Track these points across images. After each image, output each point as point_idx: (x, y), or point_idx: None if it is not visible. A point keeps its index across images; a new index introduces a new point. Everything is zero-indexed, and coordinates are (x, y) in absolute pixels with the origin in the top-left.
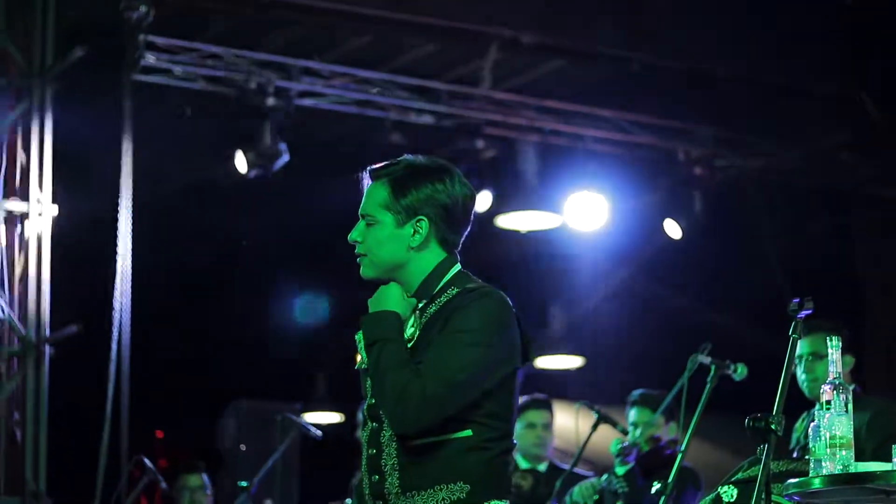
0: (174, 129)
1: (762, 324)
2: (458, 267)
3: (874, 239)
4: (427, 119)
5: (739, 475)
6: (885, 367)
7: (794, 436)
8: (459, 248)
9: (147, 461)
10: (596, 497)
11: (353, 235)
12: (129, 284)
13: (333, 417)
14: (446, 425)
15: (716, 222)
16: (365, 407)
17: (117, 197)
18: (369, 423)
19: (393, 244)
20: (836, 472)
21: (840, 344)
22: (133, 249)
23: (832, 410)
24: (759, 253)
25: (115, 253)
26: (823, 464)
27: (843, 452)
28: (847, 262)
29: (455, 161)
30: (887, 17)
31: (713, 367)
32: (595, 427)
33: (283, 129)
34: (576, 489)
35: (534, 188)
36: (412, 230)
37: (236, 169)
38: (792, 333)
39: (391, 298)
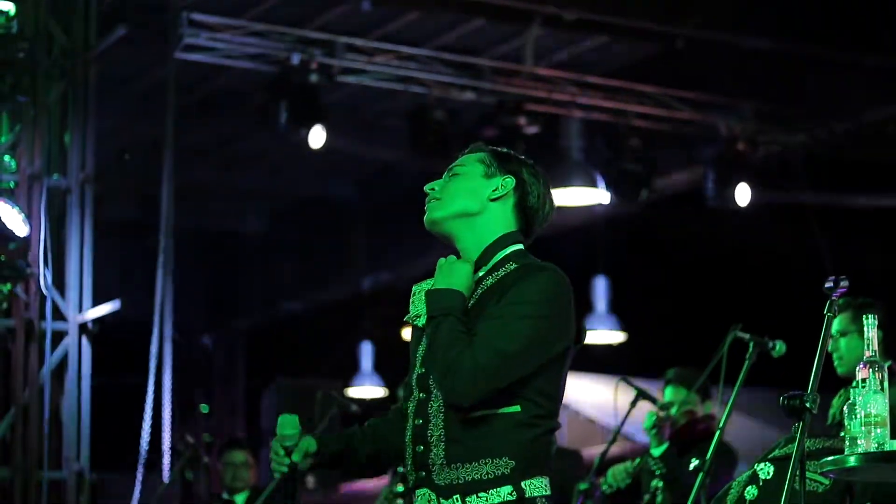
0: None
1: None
2: (521, 246)
3: None
4: (470, 96)
5: (776, 452)
6: None
7: (830, 412)
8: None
9: (190, 437)
10: (628, 480)
11: (430, 185)
12: (171, 260)
13: (377, 392)
14: (496, 399)
15: (760, 198)
16: (414, 377)
17: (160, 173)
18: (416, 394)
19: (473, 191)
20: (872, 451)
21: (876, 321)
22: (175, 224)
23: (867, 388)
24: (805, 229)
25: (159, 229)
26: (859, 441)
27: (879, 430)
28: (891, 237)
29: (498, 137)
30: None
31: (752, 344)
32: (634, 403)
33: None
34: (609, 472)
35: (577, 164)
36: (497, 185)
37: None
38: (827, 312)
39: (462, 276)
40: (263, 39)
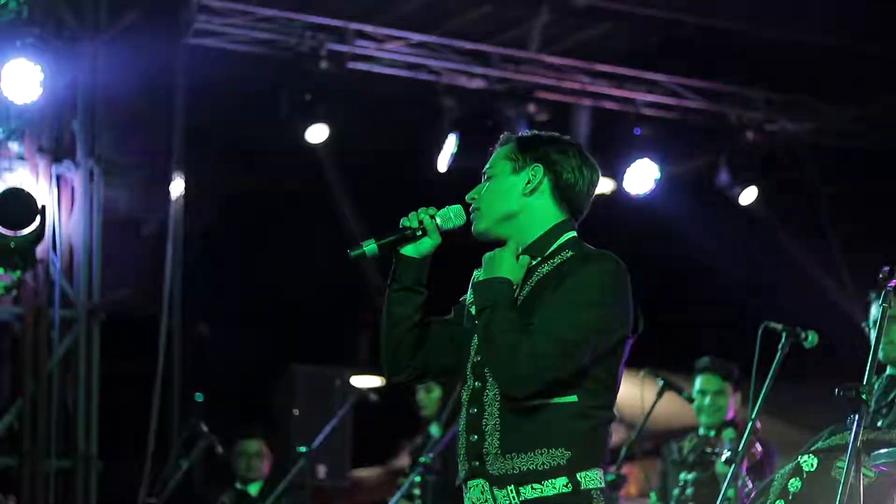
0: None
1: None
2: (574, 233)
3: None
4: (479, 83)
5: (820, 444)
6: None
7: None
8: (579, 222)
9: (203, 426)
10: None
11: (472, 194)
12: (181, 247)
13: (375, 381)
14: (553, 389)
15: (770, 186)
16: (468, 365)
17: (170, 160)
18: (471, 383)
19: (506, 191)
20: None
21: None
22: (184, 213)
23: None
24: (814, 217)
25: (168, 217)
26: None
27: None
28: None
29: (507, 125)
30: None
31: (784, 334)
32: (660, 395)
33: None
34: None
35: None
36: (527, 177)
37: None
38: (882, 302)
39: (504, 264)
40: (273, 25)
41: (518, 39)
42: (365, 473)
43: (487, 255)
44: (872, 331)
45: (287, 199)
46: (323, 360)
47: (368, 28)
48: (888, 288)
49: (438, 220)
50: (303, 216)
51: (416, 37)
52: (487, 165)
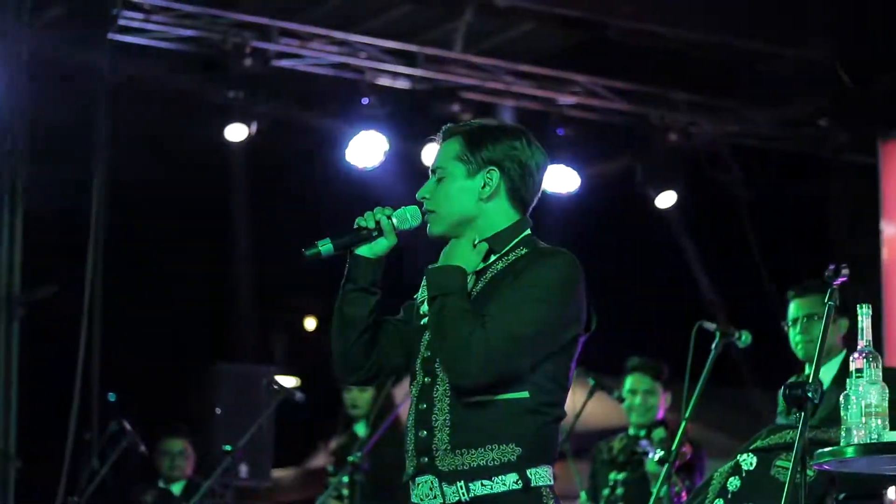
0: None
1: (739, 291)
2: (529, 231)
3: (848, 206)
4: (403, 82)
5: (759, 443)
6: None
7: (781, 399)
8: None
9: (127, 424)
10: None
11: (422, 192)
12: (101, 246)
13: (292, 381)
14: (504, 384)
15: (692, 190)
16: (418, 361)
17: (92, 158)
18: (421, 378)
19: (462, 196)
20: (871, 442)
21: (870, 310)
22: (106, 211)
23: (864, 379)
24: (735, 220)
25: (89, 214)
26: (854, 432)
27: (878, 421)
28: (821, 229)
29: (431, 125)
30: None
31: (717, 335)
32: (591, 395)
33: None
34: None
35: None
36: (482, 181)
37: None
38: (828, 301)
39: (459, 252)
40: (197, 22)
41: (442, 39)
42: (281, 474)
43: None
44: (792, 329)
45: (209, 197)
46: (242, 359)
47: (293, 26)
48: (833, 286)
49: (395, 221)
50: (224, 215)
51: (341, 35)
52: (437, 163)
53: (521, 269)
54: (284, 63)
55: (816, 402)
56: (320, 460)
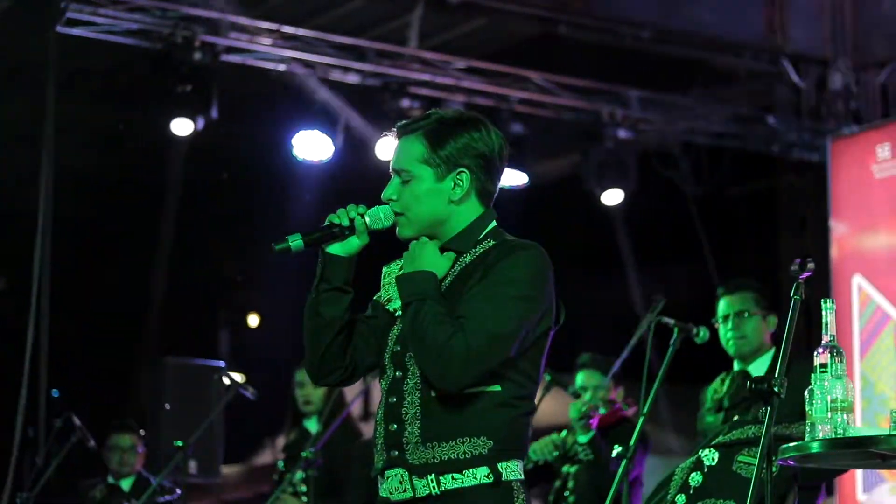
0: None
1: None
2: (495, 222)
3: (797, 204)
4: (353, 77)
5: (720, 438)
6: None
7: (711, 396)
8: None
9: (76, 419)
10: (556, 453)
11: (388, 193)
12: (49, 240)
13: (236, 377)
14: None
15: (642, 187)
16: (387, 356)
17: (40, 152)
18: (391, 372)
19: (433, 199)
20: (836, 437)
21: (833, 306)
22: (54, 205)
23: (828, 374)
24: (685, 217)
25: (37, 208)
26: (818, 427)
27: (844, 416)
28: (770, 227)
29: (381, 121)
30: None
31: (676, 330)
32: (547, 390)
33: (209, 85)
34: (534, 446)
35: None
36: (452, 183)
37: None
38: (794, 295)
39: (426, 257)
40: (146, 15)
41: (393, 34)
42: (227, 471)
43: (411, 245)
44: (722, 325)
45: (157, 191)
46: (188, 355)
47: (243, 20)
48: (800, 280)
49: (368, 220)
50: (171, 209)
51: (291, 30)
52: (400, 164)
53: (491, 262)
54: (234, 58)
55: (783, 396)
56: (266, 457)
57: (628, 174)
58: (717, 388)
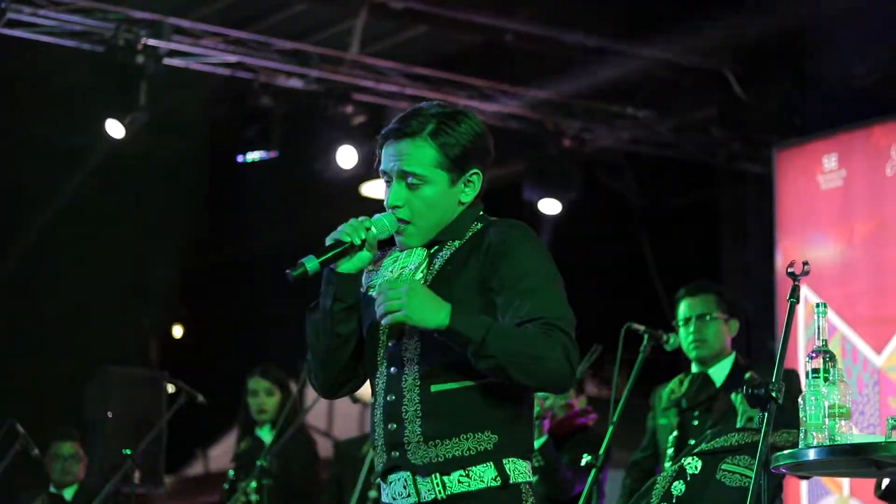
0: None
1: (632, 298)
2: (481, 207)
3: (739, 215)
4: (297, 82)
5: (704, 446)
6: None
7: (667, 396)
8: None
9: (19, 427)
10: None
11: (394, 200)
12: None
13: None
14: (475, 370)
15: (585, 197)
16: (380, 352)
17: None
18: (384, 369)
19: (445, 203)
20: (835, 443)
21: (826, 310)
22: None
23: (820, 379)
24: (629, 227)
25: None
26: (812, 434)
27: (843, 422)
28: (713, 237)
29: (325, 126)
30: None
31: (646, 336)
32: None
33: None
34: None
35: None
36: (463, 185)
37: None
38: (790, 298)
39: (431, 306)
40: (88, 17)
41: (337, 39)
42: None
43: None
44: (684, 328)
45: (95, 196)
46: (125, 363)
47: (186, 23)
48: (796, 283)
49: (375, 232)
50: (104, 216)
51: (235, 33)
52: (411, 167)
53: (496, 246)
54: (177, 61)
55: (781, 402)
56: (197, 468)
57: (570, 184)
58: (675, 388)
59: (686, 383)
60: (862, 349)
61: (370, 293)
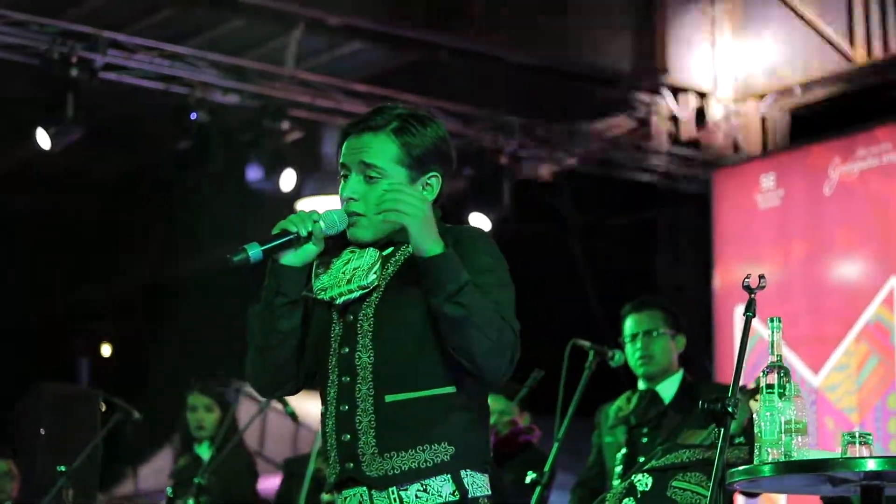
0: None
1: (568, 316)
2: (439, 211)
3: (674, 233)
4: (233, 98)
5: (654, 463)
6: None
7: (614, 413)
8: None
9: None
10: None
11: (350, 192)
12: None
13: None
14: (430, 379)
15: (523, 214)
16: (333, 359)
17: None
18: (335, 377)
19: None
20: (791, 459)
21: (780, 325)
22: None
23: (775, 394)
24: (566, 246)
25: None
26: (767, 450)
27: (800, 438)
28: (647, 255)
29: (260, 142)
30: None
31: (591, 353)
32: None
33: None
34: None
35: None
36: (422, 186)
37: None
38: (746, 312)
39: (431, 226)
40: (22, 30)
41: (273, 55)
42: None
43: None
44: (630, 345)
45: (17, 215)
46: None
47: (122, 37)
48: (752, 297)
49: (323, 226)
50: (35, 231)
51: (171, 48)
52: (372, 159)
53: (457, 244)
54: (112, 75)
55: (736, 417)
56: (127, 486)
57: (502, 201)
58: (622, 405)
59: (634, 400)
60: (799, 369)
61: (320, 297)
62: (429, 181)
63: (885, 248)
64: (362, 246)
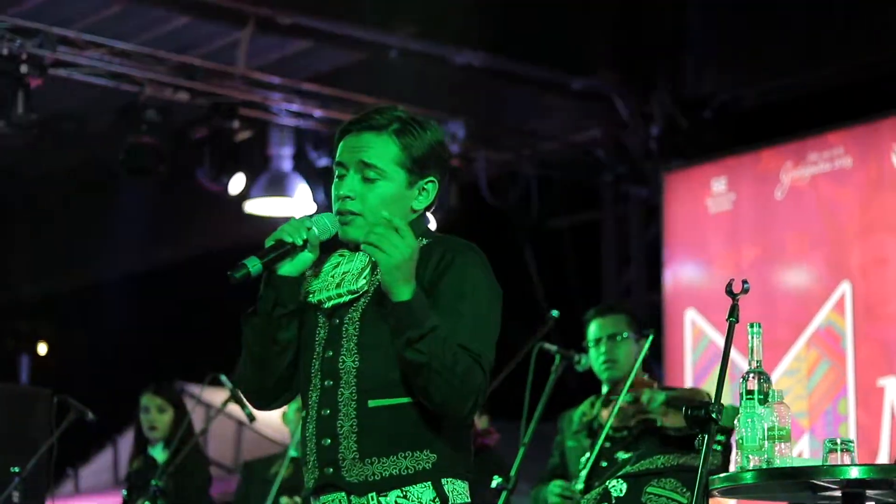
0: None
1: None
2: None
3: (621, 236)
4: (183, 96)
5: (628, 469)
6: None
7: (578, 419)
8: None
9: None
10: None
11: (346, 190)
12: None
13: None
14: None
15: (468, 215)
16: (316, 363)
17: None
18: (318, 381)
19: (398, 205)
20: (774, 466)
21: (760, 330)
22: None
23: (755, 400)
24: (513, 248)
25: None
26: (749, 457)
27: (782, 445)
28: (594, 258)
29: (210, 141)
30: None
31: (557, 357)
32: None
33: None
34: None
35: (284, 173)
36: (418, 191)
37: None
38: (729, 317)
39: (408, 268)
40: None
41: (223, 54)
42: None
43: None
44: (594, 349)
45: None
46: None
47: (71, 34)
48: (735, 301)
49: (317, 232)
50: None
51: (120, 45)
52: (371, 159)
53: (441, 265)
54: (61, 72)
55: (720, 423)
56: (68, 487)
57: (448, 202)
58: (587, 410)
59: (598, 405)
60: None
61: (309, 299)
62: (426, 186)
63: (837, 253)
64: (353, 247)
